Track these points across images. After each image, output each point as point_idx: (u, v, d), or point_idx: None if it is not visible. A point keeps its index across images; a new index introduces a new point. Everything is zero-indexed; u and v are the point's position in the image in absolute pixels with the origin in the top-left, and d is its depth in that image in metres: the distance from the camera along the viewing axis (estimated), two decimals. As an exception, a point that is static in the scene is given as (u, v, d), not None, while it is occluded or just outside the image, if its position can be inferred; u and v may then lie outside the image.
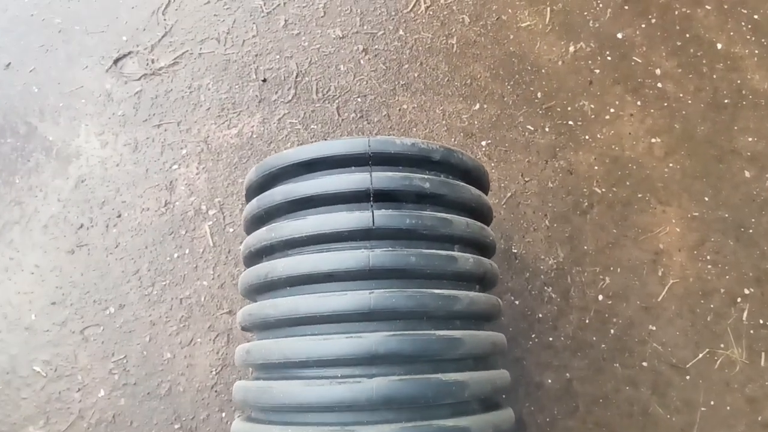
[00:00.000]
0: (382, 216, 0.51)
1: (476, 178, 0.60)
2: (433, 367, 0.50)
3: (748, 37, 1.10)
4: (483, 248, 0.59)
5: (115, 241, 0.83)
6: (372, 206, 0.53)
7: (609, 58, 1.04)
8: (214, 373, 0.78)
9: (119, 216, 0.84)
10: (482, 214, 0.60)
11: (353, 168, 0.54)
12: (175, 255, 0.83)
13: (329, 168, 0.55)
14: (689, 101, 1.01)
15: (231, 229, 0.84)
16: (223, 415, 0.77)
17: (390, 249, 0.51)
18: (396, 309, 0.49)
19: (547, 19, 1.05)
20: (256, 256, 0.57)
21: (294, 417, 0.49)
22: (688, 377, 0.84)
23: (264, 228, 0.56)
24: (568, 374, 0.82)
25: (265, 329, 0.55)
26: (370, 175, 0.52)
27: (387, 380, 0.46)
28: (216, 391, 0.77)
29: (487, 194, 0.65)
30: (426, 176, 0.54)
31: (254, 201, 0.59)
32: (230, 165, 0.87)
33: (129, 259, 0.82)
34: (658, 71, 1.03)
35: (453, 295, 0.52)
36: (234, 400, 0.55)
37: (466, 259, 0.54)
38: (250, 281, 0.56)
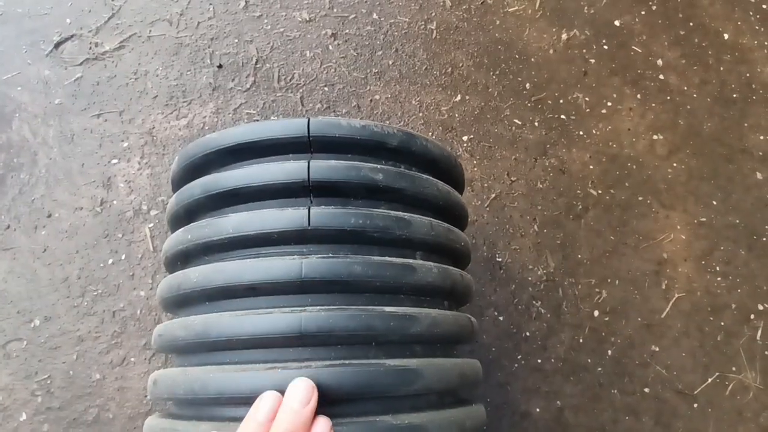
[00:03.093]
0: (321, 214, 0.41)
1: (445, 170, 0.50)
2: (383, 407, 0.39)
3: (757, 27, 1.00)
4: (452, 255, 0.48)
5: (44, 244, 0.73)
6: (311, 203, 0.43)
7: (605, 47, 0.94)
8: (148, 398, 0.67)
9: (49, 216, 0.74)
10: (452, 214, 0.49)
11: (290, 156, 0.44)
12: (110, 261, 0.72)
13: (261, 156, 0.44)
14: (694, 95, 0.92)
15: (176, 232, 0.74)
16: (157, 447, 0.66)
17: (329, 255, 0.40)
18: (333, 332, 0.38)
19: (537, 4, 0.95)
20: (172, 263, 0.47)
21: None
22: (695, 405, 0.74)
23: (180, 230, 0.46)
24: (559, 402, 0.72)
25: (177, 352, 0.44)
26: (308, 164, 0.42)
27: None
28: (148, 420, 0.67)
29: (461, 191, 0.55)
30: (380, 167, 0.44)
31: (173, 197, 0.48)
32: (178, 160, 0.77)
33: (57, 264, 0.72)
34: (659, 62, 0.93)
35: (408, 314, 0.41)
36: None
37: (428, 269, 0.44)
38: (163, 294, 0.45)
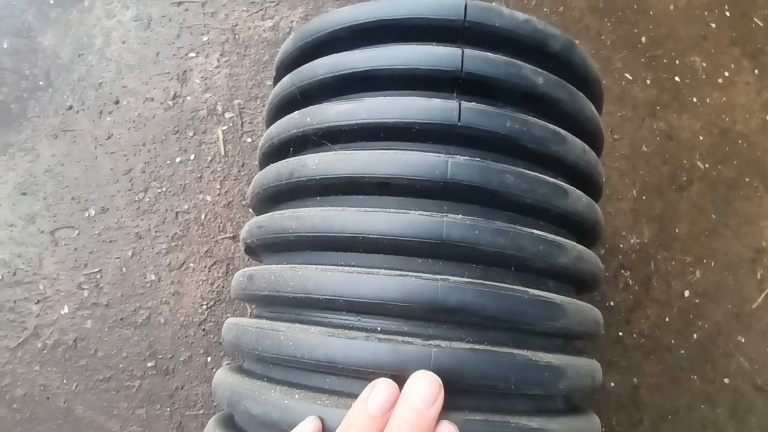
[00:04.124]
0: (474, 111, 0.35)
1: (595, 94, 0.43)
2: (515, 339, 0.34)
3: None
4: (593, 190, 0.42)
5: (108, 131, 0.68)
6: (458, 97, 0.36)
7: (728, 13, 0.85)
8: (204, 307, 0.63)
9: (116, 103, 0.69)
10: (596, 144, 0.43)
11: (435, 43, 0.38)
12: (178, 159, 0.67)
13: (400, 39, 0.38)
14: (822, 77, 0.83)
15: (249, 140, 0.68)
16: (209, 359, 0.62)
17: (479, 160, 0.34)
18: (477, 246, 0.32)
19: (661, -44, 0.86)
20: (279, 151, 0.41)
21: (304, 377, 0.34)
22: (780, 406, 0.68)
23: (296, 112, 0.40)
24: (635, 380, 0.66)
25: (279, 250, 0.39)
26: (462, 52, 0.36)
27: (451, 348, 0.30)
28: (204, 330, 0.62)
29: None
30: (540, 70, 0.37)
31: (286, 78, 0.42)
32: (258, 63, 0.71)
33: (121, 155, 0.67)
34: (787, 36, 0.84)
35: (558, 241, 0.35)
36: (223, 341, 0.40)
37: (579, 197, 0.38)
38: (267, 182, 0.40)
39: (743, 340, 0.71)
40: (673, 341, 0.68)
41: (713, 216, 0.74)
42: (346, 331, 0.32)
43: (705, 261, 0.72)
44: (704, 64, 0.81)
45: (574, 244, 0.37)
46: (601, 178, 0.42)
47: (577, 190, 0.38)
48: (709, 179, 0.75)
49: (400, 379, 0.30)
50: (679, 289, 0.70)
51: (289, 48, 0.44)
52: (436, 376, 0.29)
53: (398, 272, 0.32)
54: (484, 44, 0.37)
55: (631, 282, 0.69)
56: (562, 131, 0.37)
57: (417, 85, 0.37)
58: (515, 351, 0.32)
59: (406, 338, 0.31)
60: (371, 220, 0.33)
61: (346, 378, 0.32)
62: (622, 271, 0.69)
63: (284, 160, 0.39)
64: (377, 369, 0.30)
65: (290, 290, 0.34)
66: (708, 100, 0.79)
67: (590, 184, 0.41)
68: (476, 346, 0.31)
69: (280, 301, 0.36)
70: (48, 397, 0.62)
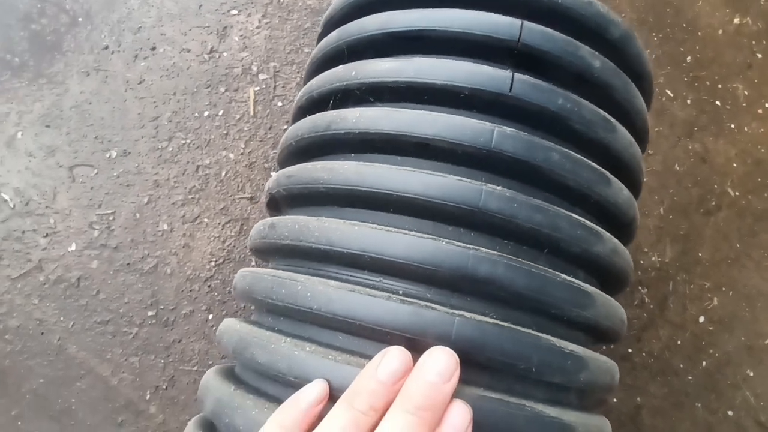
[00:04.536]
0: (526, 83, 0.33)
1: (646, 90, 0.42)
2: (539, 324, 0.32)
3: None
4: (633, 186, 0.41)
5: (141, 76, 0.67)
6: (512, 69, 0.35)
7: (776, 45, 0.84)
8: (213, 264, 0.62)
9: (153, 49, 0.68)
10: (641, 140, 0.42)
11: (493, 12, 0.36)
12: (206, 113, 0.66)
13: (458, 4, 0.37)
14: None
15: (279, 103, 0.67)
16: (210, 317, 0.61)
17: (525, 133, 0.33)
18: (513, 219, 0.31)
19: (717, -21, 0.84)
20: (317, 104, 0.40)
21: (316, 333, 0.32)
22: (782, 446, 0.66)
23: (341, 66, 0.39)
24: (639, 399, 0.65)
25: (305, 203, 0.38)
26: (521, 23, 0.35)
27: (475, 321, 0.29)
28: (209, 287, 0.61)
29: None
30: (597, 53, 0.36)
31: (334, 33, 0.41)
32: (298, 29, 0.70)
33: (150, 100, 0.66)
34: (836, 75, 0.82)
35: (596, 230, 0.34)
36: (235, 290, 0.39)
37: (620, 188, 0.36)
38: (301, 134, 0.38)
39: (752, 374, 0.69)
40: (681, 365, 0.67)
41: (737, 245, 0.72)
42: (367, 289, 0.31)
43: (724, 289, 0.70)
44: (746, 92, 0.79)
45: (611, 236, 0.35)
46: (642, 176, 0.40)
47: (619, 182, 0.37)
48: (738, 207, 0.73)
49: (414, 352, 0.28)
50: (695, 313, 0.68)
51: (338, 4, 0.43)
52: (454, 354, 0.28)
53: (430, 236, 0.31)
54: (544, 19, 0.36)
55: (647, 299, 0.68)
56: (613, 119, 0.36)
57: (470, 51, 0.35)
58: (540, 334, 0.31)
59: (429, 304, 0.30)
60: (408, 179, 0.32)
61: (361, 338, 0.31)
62: (640, 288, 0.68)
63: (322, 113, 0.38)
64: (396, 330, 0.29)
65: (314, 241, 0.33)
66: (746, 129, 0.77)
67: (632, 180, 0.39)
68: (500, 323, 0.30)
69: (300, 253, 0.35)
70: (42, 333, 0.61)
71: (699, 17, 0.82)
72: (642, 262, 0.68)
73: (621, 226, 0.38)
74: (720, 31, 0.82)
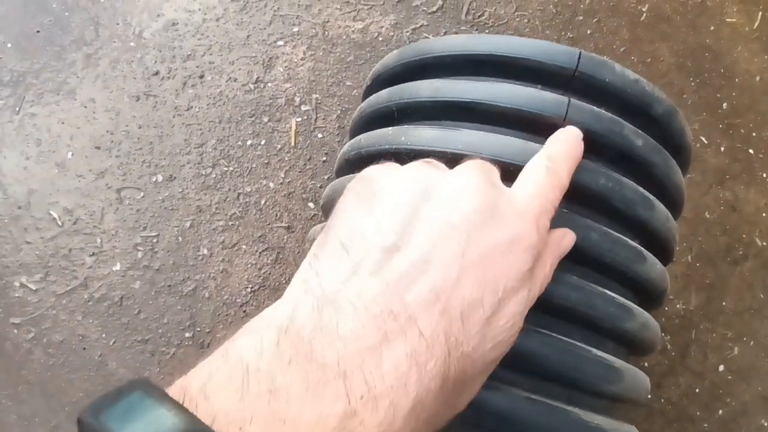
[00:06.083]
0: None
1: (684, 163, 0.43)
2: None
3: None
4: (666, 258, 0.42)
5: (189, 103, 0.70)
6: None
7: (814, 94, 0.83)
8: (248, 290, 0.65)
9: (202, 77, 0.71)
10: (676, 212, 0.43)
11: (541, 87, 0.38)
12: (249, 142, 0.69)
13: (507, 76, 0.39)
14: None
15: (320, 135, 0.70)
16: (244, 342, 0.64)
17: (566, 210, 0.35)
18: (550, 298, 0.33)
19: (756, 24, 0.84)
20: (365, 161, 0.42)
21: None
22: (795, 502, 0.67)
23: (391, 129, 0.41)
24: (656, 444, 0.66)
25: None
26: (568, 102, 0.36)
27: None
28: (245, 312, 0.64)
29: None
30: (640, 132, 0.38)
31: (384, 92, 0.43)
32: (342, 62, 0.72)
33: (197, 127, 0.69)
34: None
35: (628, 306, 0.35)
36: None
37: (654, 264, 0.38)
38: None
39: (766, 425, 0.69)
40: (698, 413, 0.67)
41: (761, 296, 0.72)
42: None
43: (745, 339, 0.70)
44: (782, 142, 0.79)
45: (642, 311, 0.37)
46: (675, 247, 0.42)
47: (653, 257, 0.38)
48: (764, 258, 0.74)
49: None
50: (715, 362, 0.69)
51: (390, 63, 0.44)
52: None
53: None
54: (591, 96, 0.38)
55: (669, 346, 0.68)
56: (651, 197, 0.38)
57: (517, 125, 0.37)
58: (568, 407, 0.32)
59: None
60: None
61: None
62: (663, 335, 0.69)
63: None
64: None
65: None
66: (779, 179, 0.77)
67: (666, 253, 0.40)
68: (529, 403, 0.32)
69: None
70: (84, 348, 0.64)
71: (737, 63, 0.82)
72: (667, 309, 0.69)
73: (652, 299, 0.39)
74: (757, 78, 0.82)
